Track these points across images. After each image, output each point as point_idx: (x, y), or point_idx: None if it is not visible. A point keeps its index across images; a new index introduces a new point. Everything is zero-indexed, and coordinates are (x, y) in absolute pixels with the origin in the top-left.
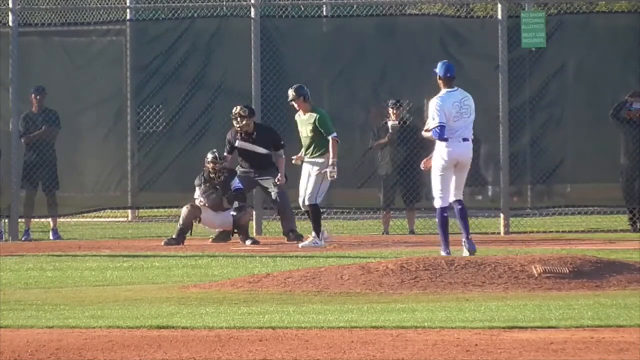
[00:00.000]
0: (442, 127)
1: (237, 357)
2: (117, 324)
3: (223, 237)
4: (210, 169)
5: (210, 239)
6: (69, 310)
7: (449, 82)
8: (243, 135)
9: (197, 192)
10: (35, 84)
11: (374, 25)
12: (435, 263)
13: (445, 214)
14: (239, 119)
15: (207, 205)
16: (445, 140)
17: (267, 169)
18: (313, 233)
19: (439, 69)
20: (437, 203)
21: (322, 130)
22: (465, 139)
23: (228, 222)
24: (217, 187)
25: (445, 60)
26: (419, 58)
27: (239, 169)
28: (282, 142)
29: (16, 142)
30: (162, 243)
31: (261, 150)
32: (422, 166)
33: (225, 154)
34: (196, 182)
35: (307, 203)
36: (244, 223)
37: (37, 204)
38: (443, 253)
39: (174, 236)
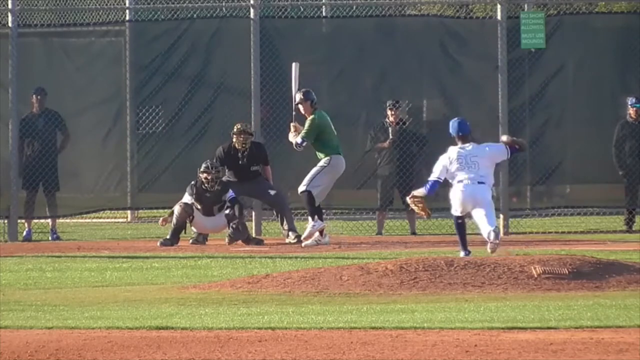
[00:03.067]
0: (433, 182)
1: (237, 358)
2: (117, 325)
3: (202, 239)
4: (204, 179)
5: (190, 240)
6: (69, 311)
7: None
8: (238, 153)
9: (187, 199)
10: (35, 85)
11: (373, 25)
12: (434, 264)
13: (460, 220)
14: (243, 136)
15: (199, 208)
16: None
17: (255, 179)
18: (309, 218)
19: (451, 128)
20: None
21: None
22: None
23: (220, 225)
24: (208, 195)
25: (458, 118)
26: (419, 59)
27: (225, 179)
28: (268, 159)
29: (16, 143)
30: (158, 244)
31: (254, 167)
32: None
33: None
34: (188, 190)
35: (300, 189)
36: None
37: (37, 204)
38: (462, 254)
39: (168, 236)
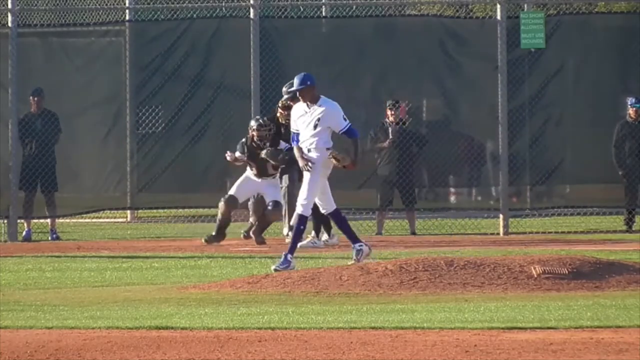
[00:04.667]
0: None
1: (236, 358)
2: (117, 325)
3: (217, 238)
4: (256, 137)
5: (203, 239)
6: (68, 311)
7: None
8: (261, 144)
9: (238, 154)
10: (34, 85)
11: (373, 26)
12: (434, 264)
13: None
14: (265, 128)
15: (252, 170)
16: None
17: (272, 178)
18: (312, 233)
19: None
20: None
21: None
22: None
23: (278, 193)
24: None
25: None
26: (418, 59)
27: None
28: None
29: (15, 143)
30: (202, 241)
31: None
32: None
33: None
34: (238, 147)
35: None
36: (274, 220)
37: (36, 204)
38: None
39: (213, 233)
